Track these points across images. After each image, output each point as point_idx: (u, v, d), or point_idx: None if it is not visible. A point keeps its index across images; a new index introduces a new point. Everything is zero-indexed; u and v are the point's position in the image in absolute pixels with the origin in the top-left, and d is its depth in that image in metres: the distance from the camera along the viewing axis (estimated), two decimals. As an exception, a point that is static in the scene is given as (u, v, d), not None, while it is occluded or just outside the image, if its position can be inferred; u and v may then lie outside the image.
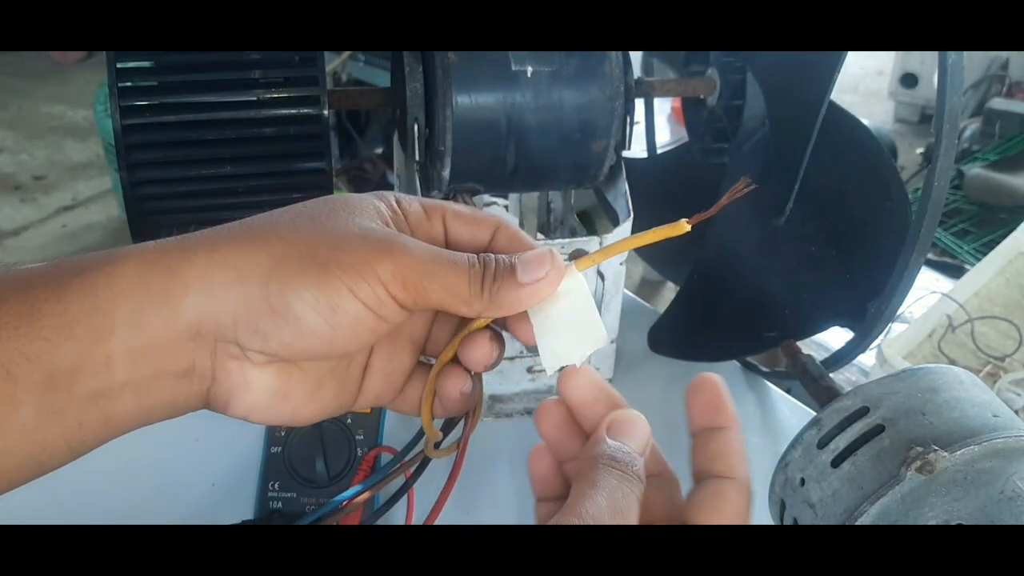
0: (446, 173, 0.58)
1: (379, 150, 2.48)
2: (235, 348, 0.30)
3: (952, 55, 0.48)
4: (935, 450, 0.38)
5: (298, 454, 0.57)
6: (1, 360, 0.27)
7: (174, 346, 0.29)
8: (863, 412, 0.42)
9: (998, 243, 1.30)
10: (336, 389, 0.34)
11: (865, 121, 0.65)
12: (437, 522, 0.53)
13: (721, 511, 0.32)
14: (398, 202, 0.33)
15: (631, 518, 0.29)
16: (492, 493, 0.61)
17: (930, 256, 1.18)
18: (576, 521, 0.28)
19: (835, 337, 0.68)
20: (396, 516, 0.57)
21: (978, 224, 1.90)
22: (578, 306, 0.34)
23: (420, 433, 0.38)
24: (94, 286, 0.29)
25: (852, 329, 0.62)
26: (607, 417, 0.33)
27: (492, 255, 0.32)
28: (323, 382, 0.33)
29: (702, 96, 0.66)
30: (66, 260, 0.30)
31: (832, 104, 0.60)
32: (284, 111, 0.52)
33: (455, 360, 0.35)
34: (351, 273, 0.29)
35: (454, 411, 0.36)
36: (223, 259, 0.29)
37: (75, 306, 0.28)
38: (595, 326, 0.34)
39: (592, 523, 0.28)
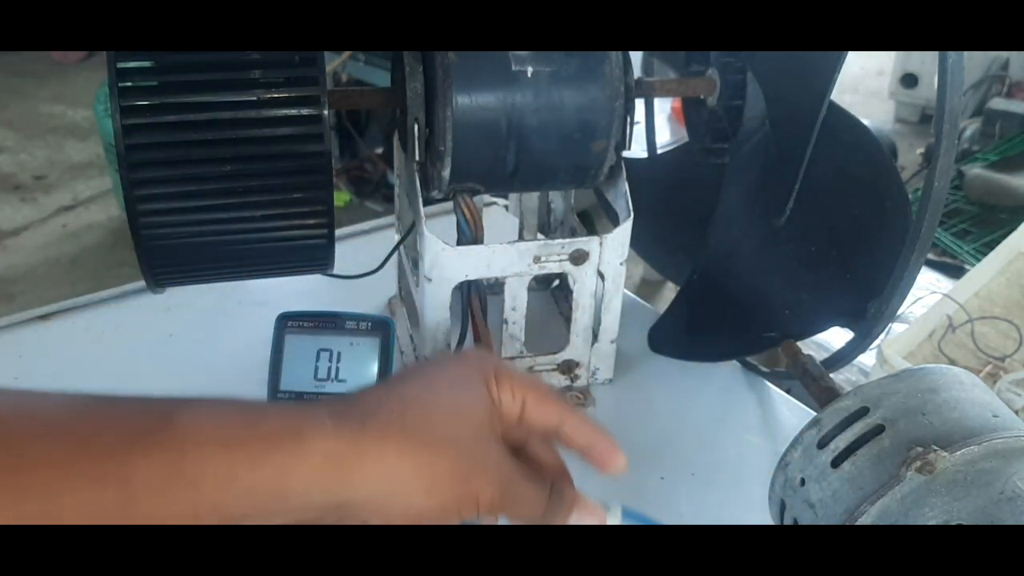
0: (446, 173, 0.58)
1: (379, 150, 2.48)
2: None
3: (952, 55, 0.48)
4: (935, 450, 0.38)
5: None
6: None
7: None
8: (863, 412, 0.42)
9: (998, 243, 1.30)
10: None
11: (865, 121, 0.65)
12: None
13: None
14: (499, 388, 0.38)
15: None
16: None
17: (930, 256, 1.18)
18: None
19: (835, 337, 0.68)
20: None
21: (978, 224, 1.90)
22: None
23: None
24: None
25: (852, 329, 0.62)
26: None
27: (560, 497, 0.39)
28: None
29: (702, 96, 0.66)
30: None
31: (832, 104, 0.60)
32: (284, 111, 0.52)
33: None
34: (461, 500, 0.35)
35: None
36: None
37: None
38: None
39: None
